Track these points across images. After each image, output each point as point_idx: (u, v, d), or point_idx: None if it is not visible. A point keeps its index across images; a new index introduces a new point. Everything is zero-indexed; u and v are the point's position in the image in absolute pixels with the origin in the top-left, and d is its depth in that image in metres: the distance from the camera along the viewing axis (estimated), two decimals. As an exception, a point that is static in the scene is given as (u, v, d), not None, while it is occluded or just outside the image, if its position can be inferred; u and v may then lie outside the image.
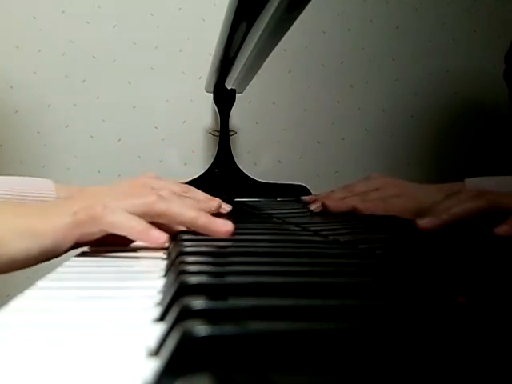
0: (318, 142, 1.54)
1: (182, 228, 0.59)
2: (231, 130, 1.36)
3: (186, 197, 0.78)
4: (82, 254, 0.55)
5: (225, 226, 0.55)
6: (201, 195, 0.80)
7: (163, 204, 0.55)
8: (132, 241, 0.57)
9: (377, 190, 0.85)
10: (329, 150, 1.53)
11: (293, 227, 0.69)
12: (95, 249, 0.58)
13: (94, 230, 0.54)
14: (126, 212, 0.53)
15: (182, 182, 0.93)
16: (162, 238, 0.53)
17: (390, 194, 0.84)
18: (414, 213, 0.77)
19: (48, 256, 0.53)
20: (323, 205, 0.84)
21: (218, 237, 0.55)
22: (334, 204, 0.83)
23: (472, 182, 0.82)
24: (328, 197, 0.87)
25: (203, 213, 0.57)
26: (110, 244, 0.56)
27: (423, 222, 0.62)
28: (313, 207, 0.87)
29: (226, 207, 0.81)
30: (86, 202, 0.54)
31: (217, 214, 0.71)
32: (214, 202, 0.78)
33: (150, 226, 0.53)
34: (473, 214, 0.62)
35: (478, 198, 0.62)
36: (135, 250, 0.57)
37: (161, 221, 0.56)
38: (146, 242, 0.54)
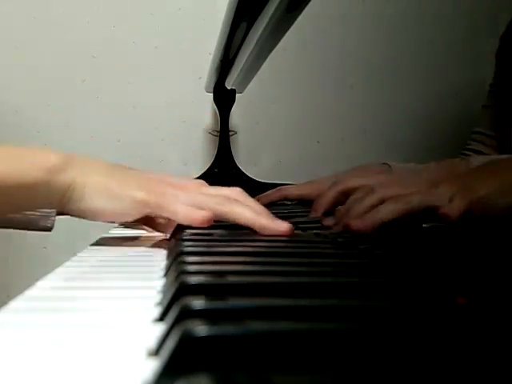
0: (318, 141, 1.54)
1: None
2: (231, 130, 1.36)
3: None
4: (82, 254, 0.55)
5: (283, 226, 0.59)
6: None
7: (227, 206, 0.60)
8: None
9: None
10: (329, 149, 1.53)
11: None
12: (95, 249, 0.58)
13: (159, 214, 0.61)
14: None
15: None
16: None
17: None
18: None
19: (118, 218, 0.62)
20: (346, 226, 0.67)
21: (277, 234, 0.58)
22: (363, 226, 0.66)
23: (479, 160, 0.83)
24: (349, 215, 0.69)
25: (264, 213, 0.61)
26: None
27: (355, 224, 0.62)
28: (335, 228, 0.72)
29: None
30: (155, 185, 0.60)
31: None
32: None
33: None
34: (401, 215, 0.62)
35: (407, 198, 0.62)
36: (135, 250, 0.57)
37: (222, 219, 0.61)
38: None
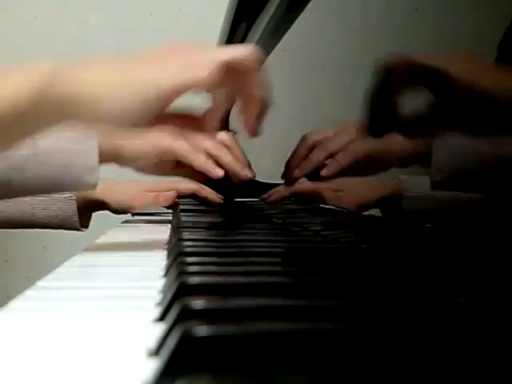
0: (318, 141, 1.53)
1: None
2: (231, 130, 1.35)
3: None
4: (82, 254, 0.55)
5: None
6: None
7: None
8: None
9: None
10: (329, 150, 1.53)
11: (293, 227, 0.69)
12: (95, 249, 0.58)
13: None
14: None
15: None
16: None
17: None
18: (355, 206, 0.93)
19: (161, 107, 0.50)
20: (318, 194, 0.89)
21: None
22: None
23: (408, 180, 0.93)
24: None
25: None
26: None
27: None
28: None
29: (248, 174, 0.82)
30: None
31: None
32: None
33: None
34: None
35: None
36: (135, 250, 0.57)
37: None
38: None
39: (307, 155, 0.78)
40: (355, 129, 0.74)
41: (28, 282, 0.41)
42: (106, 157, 0.74)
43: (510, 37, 1.11)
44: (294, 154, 0.81)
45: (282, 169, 0.84)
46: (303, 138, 0.80)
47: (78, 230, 1.00)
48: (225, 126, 1.34)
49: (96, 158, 0.72)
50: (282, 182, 1.25)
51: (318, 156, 0.75)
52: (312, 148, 0.78)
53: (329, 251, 0.52)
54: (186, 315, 0.26)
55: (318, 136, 0.79)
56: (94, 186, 0.73)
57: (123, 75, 0.49)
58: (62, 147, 0.73)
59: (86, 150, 0.73)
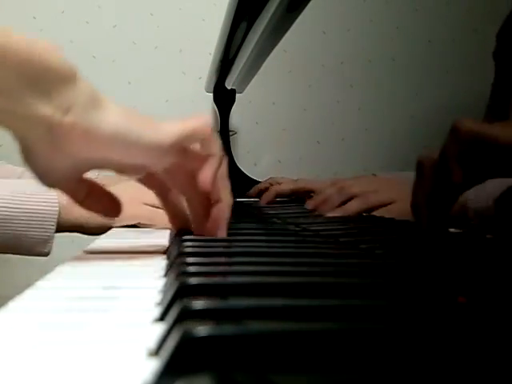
0: (318, 142, 1.54)
1: None
2: (231, 129, 1.36)
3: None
4: (82, 254, 0.55)
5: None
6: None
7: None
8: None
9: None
10: (329, 150, 1.53)
11: (293, 227, 0.69)
12: (95, 248, 0.58)
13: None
14: None
15: None
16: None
17: (387, 199, 0.85)
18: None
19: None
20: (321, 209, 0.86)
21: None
22: (339, 213, 0.83)
23: None
24: (325, 202, 0.86)
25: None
26: None
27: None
28: (310, 207, 0.88)
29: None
30: None
31: None
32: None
33: None
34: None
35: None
36: (135, 250, 0.57)
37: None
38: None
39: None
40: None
41: (28, 282, 0.41)
42: (65, 228, 0.79)
43: (508, 27, 1.12)
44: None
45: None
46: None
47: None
48: (224, 126, 1.35)
49: (52, 230, 0.76)
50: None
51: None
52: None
53: (329, 251, 0.52)
54: (186, 315, 0.26)
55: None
56: (46, 254, 0.80)
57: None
58: (20, 212, 0.76)
59: (43, 218, 0.76)
